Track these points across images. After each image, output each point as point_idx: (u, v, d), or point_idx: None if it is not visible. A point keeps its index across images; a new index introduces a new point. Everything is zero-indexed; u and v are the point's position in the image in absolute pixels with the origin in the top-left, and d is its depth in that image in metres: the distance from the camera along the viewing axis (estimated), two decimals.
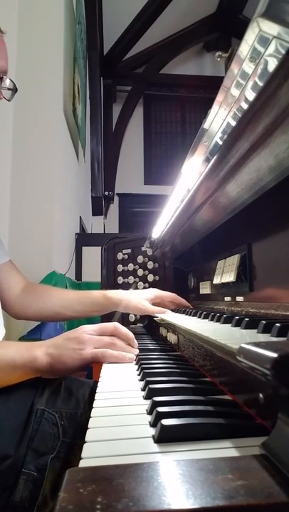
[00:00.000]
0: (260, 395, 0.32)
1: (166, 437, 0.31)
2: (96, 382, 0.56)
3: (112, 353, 0.65)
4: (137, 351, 0.72)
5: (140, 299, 1.03)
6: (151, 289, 1.11)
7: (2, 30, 0.84)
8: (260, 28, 0.39)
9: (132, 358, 0.67)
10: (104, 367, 0.64)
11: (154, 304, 1.06)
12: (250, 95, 0.49)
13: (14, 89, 0.90)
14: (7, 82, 0.87)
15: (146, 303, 1.03)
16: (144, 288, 1.47)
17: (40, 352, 0.63)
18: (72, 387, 0.68)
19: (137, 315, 1.40)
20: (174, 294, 1.11)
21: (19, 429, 0.61)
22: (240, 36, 0.46)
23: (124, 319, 1.43)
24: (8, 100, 0.90)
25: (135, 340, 0.73)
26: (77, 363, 0.63)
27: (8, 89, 0.89)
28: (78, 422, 0.63)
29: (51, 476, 0.57)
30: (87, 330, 0.67)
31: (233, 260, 0.80)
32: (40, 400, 0.64)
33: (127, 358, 0.66)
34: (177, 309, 1.05)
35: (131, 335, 0.72)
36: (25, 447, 0.59)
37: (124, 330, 0.71)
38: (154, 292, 1.08)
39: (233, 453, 0.29)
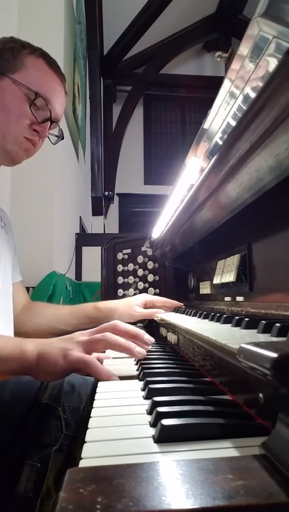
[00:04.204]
0: (260, 395, 0.32)
1: (166, 437, 0.31)
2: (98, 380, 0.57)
3: (96, 365, 0.57)
4: (148, 347, 0.66)
5: (132, 305, 1.05)
6: (140, 295, 1.12)
7: (67, 92, 0.94)
8: (260, 28, 0.39)
9: (108, 374, 0.56)
10: (105, 367, 0.63)
11: (146, 308, 1.07)
12: (250, 95, 0.49)
13: (61, 137, 0.98)
14: (56, 130, 0.95)
15: (139, 308, 1.05)
16: (144, 288, 1.47)
17: (30, 346, 0.60)
18: (74, 383, 0.69)
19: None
20: (164, 298, 1.12)
21: (23, 421, 0.62)
22: (240, 36, 0.46)
23: None
24: (53, 144, 0.98)
25: (146, 335, 0.66)
26: (59, 363, 0.57)
27: (56, 136, 0.97)
28: (81, 415, 0.63)
29: (54, 468, 0.59)
30: (84, 332, 0.65)
31: (233, 260, 0.80)
32: (44, 393, 0.65)
33: (104, 372, 0.56)
34: (177, 309, 1.05)
35: (134, 331, 0.65)
36: (29, 439, 0.60)
37: (124, 327, 0.66)
38: (144, 297, 1.09)
39: (233, 453, 0.29)
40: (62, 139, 0.99)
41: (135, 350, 0.61)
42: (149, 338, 0.67)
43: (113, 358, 0.70)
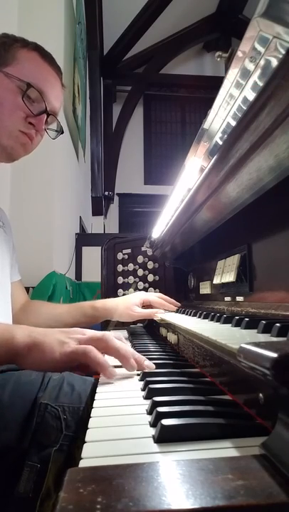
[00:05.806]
0: (260, 395, 0.32)
1: (166, 437, 0.31)
2: (98, 380, 0.57)
3: (96, 354, 0.55)
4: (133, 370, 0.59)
5: (130, 304, 1.04)
6: (137, 294, 1.10)
7: (64, 84, 0.92)
8: (260, 28, 0.39)
9: (112, 373, 0.54)
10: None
11: (143, 307, 1.07)
12: (250, 95, 0.49)
13: (60, 131, 0.96)
14: (55, 124, 0.94)
15: (138, 308, 1.04)
16: (144, 288, 1.47)
17: (21, 332, 0.58)
18: (74, 383, 0.69)
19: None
20: (161, 300, 1.10)
21: (23, 422, 0.62)
22: (240, 36, 0.46)
23: None
24: (53, 139, 0.96)
25: (131, 360, 0.58)
26: (55, 355, 0.57)
27: (55, 130, 0.95)
28: (81, 416, 0.63)
29: (54, 469, 0.58)
30: (83, 331, 0.63)
31: (233, 260, 0.80)
32: (44, 394, 0.65)
33: (109, 370, 0.54)
34: (177, 309, 1.05)
35: (122, 352, 0.58)
36: (28, 440, 0.60)
37: (114, 345, 0.59)
38: (141, 296, 1.08)
39: (233, 453, 0.29)
40: (62, 133, 0.97)
41: (108, 370, 0.56)
42: (132, 365, 0.59)
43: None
